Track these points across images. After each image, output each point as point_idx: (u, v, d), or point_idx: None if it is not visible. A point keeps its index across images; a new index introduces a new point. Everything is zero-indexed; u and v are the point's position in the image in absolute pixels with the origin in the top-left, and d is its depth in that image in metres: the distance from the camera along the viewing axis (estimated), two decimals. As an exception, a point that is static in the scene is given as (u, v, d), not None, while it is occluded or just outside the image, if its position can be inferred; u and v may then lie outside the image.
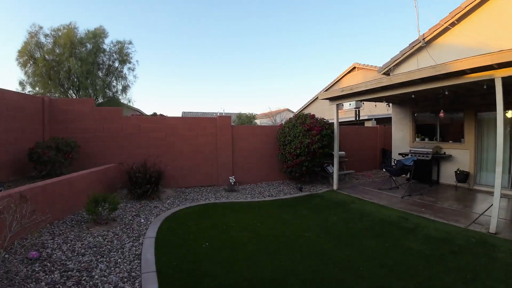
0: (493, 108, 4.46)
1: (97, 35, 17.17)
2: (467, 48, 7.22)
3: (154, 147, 7.35)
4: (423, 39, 8.49)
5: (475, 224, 4.70)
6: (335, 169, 7.66)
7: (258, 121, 29.43)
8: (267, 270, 3.30)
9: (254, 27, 59.70)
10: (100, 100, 17.96)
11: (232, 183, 7.52)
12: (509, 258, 3.49)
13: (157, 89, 64.75)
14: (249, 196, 7.01)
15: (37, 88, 16.62)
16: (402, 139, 9.62)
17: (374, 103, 10.29)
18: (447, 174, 8.09)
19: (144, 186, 6.11)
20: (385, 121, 14.10)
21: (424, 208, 5.69)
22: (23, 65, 16.36)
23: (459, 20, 7.73)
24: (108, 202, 4.58)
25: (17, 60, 16.25)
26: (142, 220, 4.96)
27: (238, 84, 71.85)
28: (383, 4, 49.72)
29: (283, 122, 9.02)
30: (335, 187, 7.62)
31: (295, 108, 29.57)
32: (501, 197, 4.41)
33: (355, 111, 13.14)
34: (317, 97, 22.03)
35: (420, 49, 8.78)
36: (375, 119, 14.67)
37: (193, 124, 7.77)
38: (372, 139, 11.52)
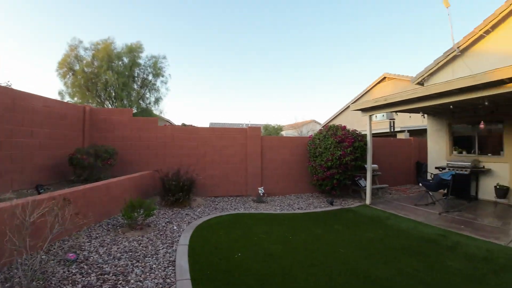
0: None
1: (134, 50, 18.06)
2: (504, 55, 6.90)
3: (186, 156, 7.62)
4: (458, 47, 8.19)
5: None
6: (368, 183, 7.39)
7: (284, 133, 29.46)
8: (303, 286, 3.21)
9: (280, 38, 60.65)
10: (134, 110, 18.78)
11: (261, 194, 7.50)
12: None
13: (185, 100, 67.21)
14: (278, 208, 6.94)
15: (75, 98, 17.66)
16: (438, 152, 9.17)
17: (407, 114, 9.97)
18: (486, 189, 7.60)
19: (177, 193, 6.30)
20: (418, 133, 13.53)
21: (463, 225, 5.39)
22: (63, 76, 17.42)
23: (494, 27, 7.51)
24: (143, 208, 4.75)
25: (57, 71, 17.32)
26: (175, 227, 5.07)
27: (264, 96, 72.80)
28: (413, 15, 48.52)
29: (312, 134, 8.93)
30: (367, 201, 7.35)
31: (322, 119, 29.31)
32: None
33: (390, 122, 12.68)
34: (345, 108, 21.75)
35: (454, 58, 8.47)
36: (408, 130, 14.11)
37: (223, 134, 7.95)
38: (405, 152, 11.02)
